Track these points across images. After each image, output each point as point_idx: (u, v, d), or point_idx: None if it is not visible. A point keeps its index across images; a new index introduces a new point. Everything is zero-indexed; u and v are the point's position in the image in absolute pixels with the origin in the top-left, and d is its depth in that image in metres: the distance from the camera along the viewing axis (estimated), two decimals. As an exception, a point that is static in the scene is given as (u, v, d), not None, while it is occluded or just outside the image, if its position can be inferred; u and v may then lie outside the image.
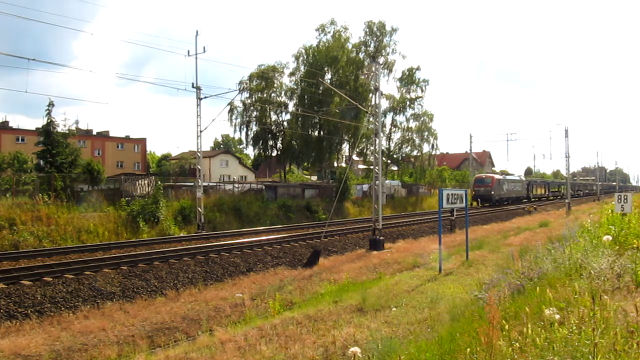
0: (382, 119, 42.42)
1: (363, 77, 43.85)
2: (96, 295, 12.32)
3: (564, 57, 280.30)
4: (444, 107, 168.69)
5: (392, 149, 52.10)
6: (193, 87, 25.52)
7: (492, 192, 47.90)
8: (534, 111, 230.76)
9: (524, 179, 62.62)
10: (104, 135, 65.50)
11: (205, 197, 27.95)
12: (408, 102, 51.00)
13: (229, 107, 44.70)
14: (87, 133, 62.78)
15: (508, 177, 56.23)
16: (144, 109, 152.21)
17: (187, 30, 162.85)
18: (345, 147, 49.74)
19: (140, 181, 30.71)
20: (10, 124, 60.87)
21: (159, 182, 29.11)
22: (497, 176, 52.19)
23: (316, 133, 45.75)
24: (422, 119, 51.49)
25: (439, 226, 14.23)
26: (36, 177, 27.85)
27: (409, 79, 50.58)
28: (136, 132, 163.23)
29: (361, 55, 47.38)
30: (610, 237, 7.26)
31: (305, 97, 45.26)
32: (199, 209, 25.24)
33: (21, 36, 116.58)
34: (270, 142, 49.07)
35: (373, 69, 22.34)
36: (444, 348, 5.15)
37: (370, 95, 35.07)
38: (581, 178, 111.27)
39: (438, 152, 58.25)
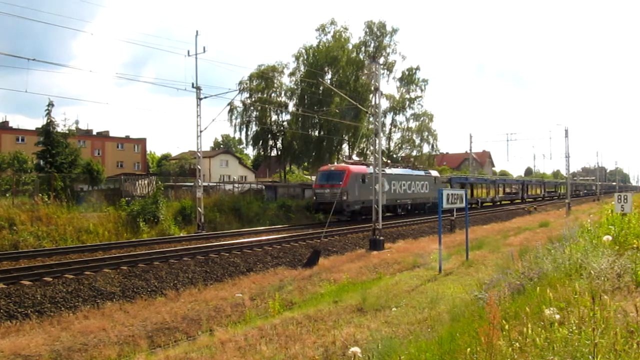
0: (382, 119, 42.41)
1: (363, 78, 43.87)
2: (96, 295, 12.30)
3: (564, 57, 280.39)
4: (444, 107, 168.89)
5: (392, 149, 52.12)
6: (193, 87, 25.52)
7: (345, 197, 28.06)
8: (534, 111, 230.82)
9: (435, 174, 40.72)
10: (104, 135, 65.54)
11: (205, 197, 27.93)
12: (408, 102, 51.04)
13: (228, 107, 44.70)
14: (87, 133, 62.82)
15: (392, 171, 34.09)
16: (144, 109, 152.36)
17: (187, 30, 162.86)
18: (345, 147, 49.77)
19: (140, 181, 30.72)
20: (10, 124, 60.99)
21: (159, 182, 29.13)
22: (356, 168, 30.25)
23: (316, 133, 45.73)
24: (422, 119, 51.53)
25: (439, 226, 14.23)
26: (36, 177, 27.86)
27: (408, 79, 50.59)
28: (136, 132, 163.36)
29: (361, 56, 47.38)
30: (610, 237, 7.28)
31: (305, 97, 45.26)
32: (199, 209, 25.23)
33: (21, 36, 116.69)
34: (270, 142, 49.07)
35: (373, 69, 22.34)
36: (444, 348, 5.15)
37: (370, 95, 35.07)
38: (581, 178, 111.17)
39: (438, 153, 58.27)
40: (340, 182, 28.18)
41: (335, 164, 35.19)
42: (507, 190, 59.79)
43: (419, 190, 36.35)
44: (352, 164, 31.92)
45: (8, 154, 42.87)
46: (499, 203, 52.83)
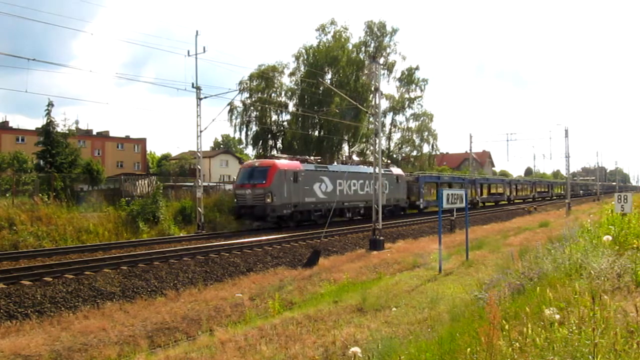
0: (382, 119, 42.35)
1: (363, 78, 43.88)
2: (96, 295, 12.30)
3: (564, 57, 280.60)
4: (444, 107, 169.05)
5: (392, 149, 52.18)
6: (193, 87, 25.51)
7: (269, 200, 23.41)
8: (534, 111, 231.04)
9: (398, 172, 34.63)
10: (104, 135, 65.59)
11: (205, 197, 27.92)
12: (407, 102, 51.14)
13: (229, 107, 44.73)
14: (87, 133, 62.87)
15: (339, 167, 29.02)
16: (144, 109, 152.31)
17: (187, 30, 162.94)
18: (345, 147, 49.81)
19: (140, 181, 30.73)
20: (10, 124, 61.07)
21: (159, 182, 29.13)
22: (286, 164, 25.20)
23: (316, 133, 45.77)
24: (421, 119, 51.61)
25: (439, 226, 14.24)
26: (36, 177, 27.88)
27: (408, 79, 50.66)
28: (136, 132, 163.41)
29: (361, 56, 47.43)
30: (610, 237, 7.28)
31: (306, 97, 45.29)
32: (199, 209, 25.22)
33: (21, 36, 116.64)
34: (270, 142, 49.08)
35: (373, 69, 22.33)
36: (444, 348, 5.16)
37: (370, 95, 35.08)
38: (581, 178, 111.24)
39: (438, 153, 58.21)
40: (264, 181, 23.64)
41: (259, 160, 28.48)
42: (492, 190, 55.02)
43: (396, 192, 31.29)
44: (282, 158, 26.72)
45: (8, 154, 42.89)
46: (481, 205, 46.66)
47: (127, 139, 67.23)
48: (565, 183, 59.32)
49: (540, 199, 64.84)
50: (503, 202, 53.23)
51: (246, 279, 14.95)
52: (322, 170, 27.13)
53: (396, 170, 34.75)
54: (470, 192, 46.12)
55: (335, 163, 29.93)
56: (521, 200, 59.62)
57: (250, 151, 59.60)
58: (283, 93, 48.54)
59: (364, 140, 44.91)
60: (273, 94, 47.79)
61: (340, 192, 27.83)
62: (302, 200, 25.07)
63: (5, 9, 72.91)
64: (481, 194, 49.24)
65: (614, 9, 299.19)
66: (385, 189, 30.67)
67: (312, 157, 30.16)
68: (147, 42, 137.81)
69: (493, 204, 51.49)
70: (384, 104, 48.92)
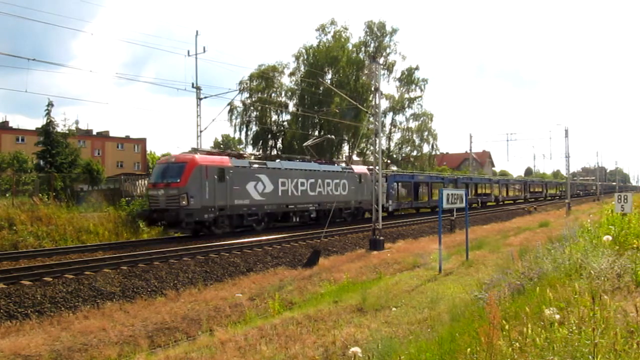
0: (382, 119, 42.35)
1: (363, 78, 43.91)
2: (96, 295, 12.30)
3: (564, 57, 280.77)
4: (444, 107, 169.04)
5: (392, 149, 52.20)
6: (193, 87, 25.59)
7: (185, 202, 19.52)
8: (534, 111, 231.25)
9: (362, 170, 30.15)
10: (104, 135, 65.62)
11: (205, 197, 27.85)
12: (407, 102, 51.18)
13: (229, 107, 44.86)
14: (87, 133, 62.89)
15: (281, 164, 24.95)
16: (144, 109, 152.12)
17: (187, 30, 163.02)
18: (345, 147, 49.85)
19: (140, 181, 30.75)
20: (10, 124, 61.10)
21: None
22: (208, 159, 21.10)
23: (316, 133, 45.81)
24: (421, 119, 51.65)
25: (439, 226, 14.24)
26: (36, 177, 27.92)
27: (408, 79, 50.72)
28: (136, 132, 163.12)
29: (361, 56, 47.52)
30: (610, 237, 7.29)
31: (306, 97, 45.34)
32: (199, 209, 25.14)
33: (21, 36, 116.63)
34: (270, 142, 49.12)
35: (373, 69, 22.32)
36: (444, 348, 5.16)
37: (370, 95, 35.09)
38: (581, 178, 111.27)
39: (438, 153, 58.27)
40: (178, 180, 19.71)
41: (176, 155, 22.75)
42: (479, 190, 51.92)
43: (332, 191, 26.74)
44: (205, 153, 22.91)
45: (8, 154, 42.94)
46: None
47: (127, 139, 67.25)
48: (563, 183, 58.27)
49: (532, 199, 62.00)
50: (491, 204, 49.48)
51: (246, 279, 14.95)
52: (259, 167, 23.01)
53: (359, 169, 30.37)
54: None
55: (278, 160, 26.54)
56: (511, 202, 56.34)
57: (250, 151, 59.77)
58: (283, 93, 48.66)
59: (364, 140, 44.97)
60: (273, 94, 47.89)
61: (283, 192, 23.74)
62: (231, 202, 21.19)
63: (5, 9, 73.05)
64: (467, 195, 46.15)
65: (614, 9, 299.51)
66: (344, 189, 27.82)
67: (248, 153, 26.66)
68: (147, 42, 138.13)
69: (478, 204, 46.71)
70: (384, 104, 49.00)
